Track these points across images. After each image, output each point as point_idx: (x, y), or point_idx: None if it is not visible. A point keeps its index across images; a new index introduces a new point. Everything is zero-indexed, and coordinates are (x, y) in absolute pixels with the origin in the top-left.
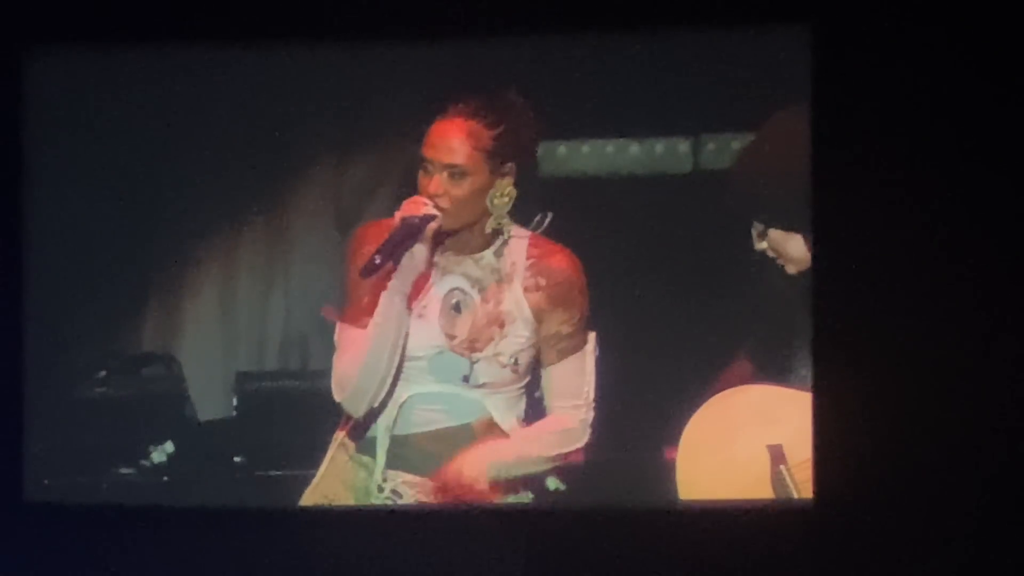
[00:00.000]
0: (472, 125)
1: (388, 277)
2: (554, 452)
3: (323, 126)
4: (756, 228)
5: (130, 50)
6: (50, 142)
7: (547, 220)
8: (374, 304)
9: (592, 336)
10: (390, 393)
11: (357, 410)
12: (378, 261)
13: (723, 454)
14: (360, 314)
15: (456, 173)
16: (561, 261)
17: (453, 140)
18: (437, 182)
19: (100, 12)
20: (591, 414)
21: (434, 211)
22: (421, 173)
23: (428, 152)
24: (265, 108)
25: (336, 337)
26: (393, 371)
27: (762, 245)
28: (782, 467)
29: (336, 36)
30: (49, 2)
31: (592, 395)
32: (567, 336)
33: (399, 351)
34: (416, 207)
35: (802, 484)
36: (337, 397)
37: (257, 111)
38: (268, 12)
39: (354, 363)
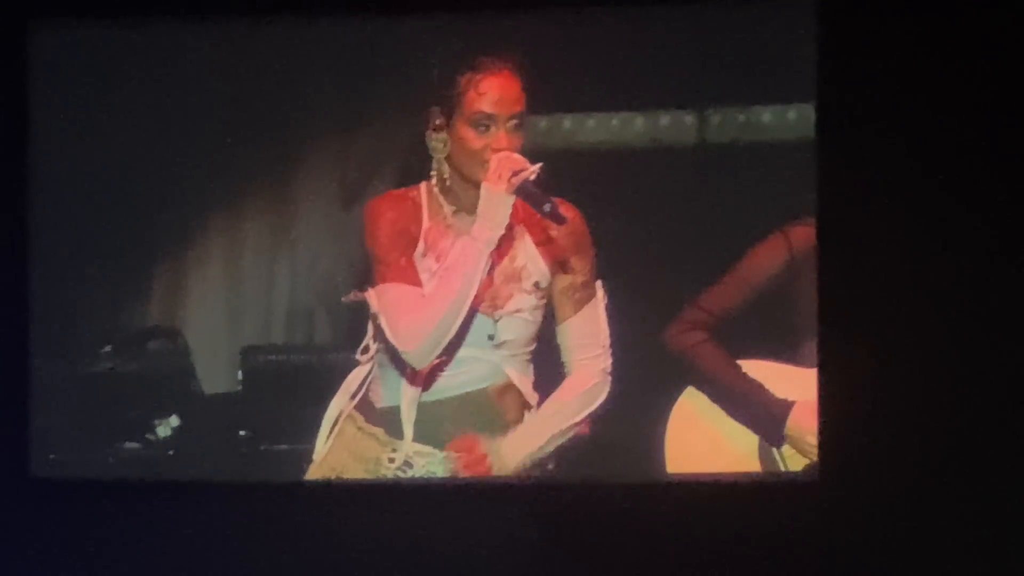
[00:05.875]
0: (516, 76)
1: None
2: (582, 415)
3: (327, 101)
4: None
5: (135, 24)
6: (55, 117)
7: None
8: (411, 265)
9: (599, 284)
10: (452, 345)
11: (424, 362)
12: (548, 209)
13: (712, 427)
14: (399, 275)
15: (519, 124)
16: (567, 212)
17: (513, 89)
18: (503, 136)
19: None
20: (609, 360)
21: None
22: (472, 134)
23: (489, 107)
24: (270, 82)
25: (377, 302)
26: (462, 322)
27: None
28: None
29: (341, 10)
30: None
31: (608, 341)
32: (582, 285)
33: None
34: (517, 162)
35: (789, 458)
36: (407, 348)
37: (262, 85)
38: None
39: (428, 315)
